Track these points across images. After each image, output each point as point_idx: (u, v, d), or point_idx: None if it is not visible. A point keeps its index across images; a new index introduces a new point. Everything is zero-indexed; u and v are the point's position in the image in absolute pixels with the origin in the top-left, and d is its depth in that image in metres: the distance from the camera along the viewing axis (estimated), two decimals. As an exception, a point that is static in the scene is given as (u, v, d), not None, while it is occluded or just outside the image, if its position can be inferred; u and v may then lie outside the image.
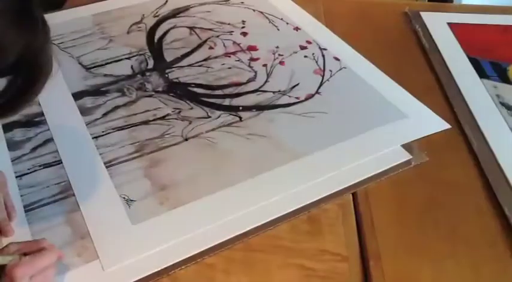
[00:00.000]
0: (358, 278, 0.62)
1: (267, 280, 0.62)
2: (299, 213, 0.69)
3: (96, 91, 0.88)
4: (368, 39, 1.04)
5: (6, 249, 0.56)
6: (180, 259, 0.62)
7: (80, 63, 0.94)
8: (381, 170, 0.74)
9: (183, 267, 0.62)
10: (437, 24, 1.08)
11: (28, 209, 0.68)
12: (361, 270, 0.63)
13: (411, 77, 0.94)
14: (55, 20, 1.02)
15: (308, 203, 0.70)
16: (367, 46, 1.00)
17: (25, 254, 0.55)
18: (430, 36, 1.05)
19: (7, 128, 0.80)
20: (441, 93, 0.90)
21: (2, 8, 0.40)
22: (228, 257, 0.63)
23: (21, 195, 0.69)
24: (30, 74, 0.45)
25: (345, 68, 0.94)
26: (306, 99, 0.87)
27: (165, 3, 1.12)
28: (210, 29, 1.04)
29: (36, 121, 0.81)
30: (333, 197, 0.71)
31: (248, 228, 0.66)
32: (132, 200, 0.69)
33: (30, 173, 0.73)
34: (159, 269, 0.61)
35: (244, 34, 1.03)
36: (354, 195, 0.72)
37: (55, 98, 0.85)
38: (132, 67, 0.93)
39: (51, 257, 0.56)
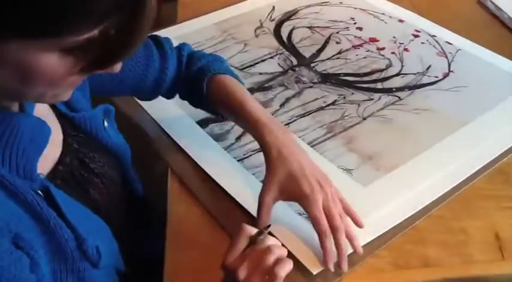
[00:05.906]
0: None
1: (490, 221, 0.74)
2: (490, 168, 0.81)
3: (262, 87, 0.98)
4: (457, 26, 1.16)
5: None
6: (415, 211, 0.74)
7: (231, 66, 1.03)
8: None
9: (416, 222, 0.73)
10: (512, 8, 1.24)
11: (266, 186, 0.78)
12: None
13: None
14: (184, 30, 1.13)
15: (492, 159, 0.82)
16: (461, 33, 1.13)
17: None
18: (512, 18, 1.21)
19: (203, 124, 0.89)
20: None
21: None
22: (451, 207, 0.75)
23: (252, 174, 0.79)
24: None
25: (460, 50, 1.08)
26: (444, 77, 1.00)
27: (273, 9, 1.23)
28: (328, 27, 1.16)
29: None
30: (508, 152, 0.84)
31: (459, 181, 0.78)
32: (350, 169, 0.80)
33: (247, 157, 0.83)
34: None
35: (360, 29, 1.15)
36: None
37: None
38: (279, 64, 1.04)
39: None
